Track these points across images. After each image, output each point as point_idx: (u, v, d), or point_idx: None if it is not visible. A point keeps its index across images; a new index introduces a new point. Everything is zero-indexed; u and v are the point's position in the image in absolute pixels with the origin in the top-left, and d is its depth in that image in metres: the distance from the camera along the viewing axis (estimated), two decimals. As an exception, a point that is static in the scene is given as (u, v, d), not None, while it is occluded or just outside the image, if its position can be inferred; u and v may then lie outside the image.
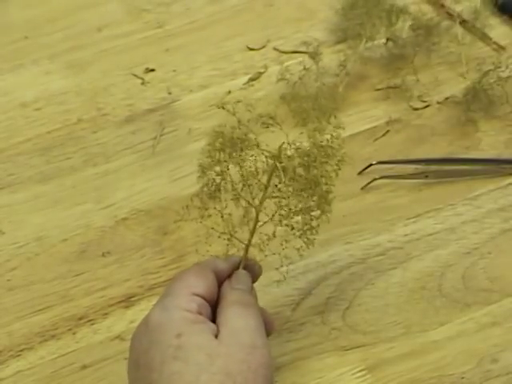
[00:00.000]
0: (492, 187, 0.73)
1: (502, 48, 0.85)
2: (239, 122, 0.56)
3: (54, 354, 0.64)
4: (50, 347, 0.64)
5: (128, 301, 0.67)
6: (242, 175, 0.56)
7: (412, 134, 0.77)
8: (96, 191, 0.74)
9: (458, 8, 0.87)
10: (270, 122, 0.56)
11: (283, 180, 0.55)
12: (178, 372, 0.51)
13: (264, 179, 0.56)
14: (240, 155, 0.56)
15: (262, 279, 0.60)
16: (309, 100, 0.78)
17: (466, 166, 0.74)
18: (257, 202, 0.57)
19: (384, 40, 0.83)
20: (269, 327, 0.58)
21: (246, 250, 0.58)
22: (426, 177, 0.73)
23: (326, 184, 0.56)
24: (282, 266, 0.60)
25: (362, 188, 0.73)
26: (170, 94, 0.82)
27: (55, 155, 0.77)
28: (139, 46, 0.87)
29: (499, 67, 0.78)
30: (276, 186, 0.56)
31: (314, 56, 0.81)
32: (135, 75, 0.84)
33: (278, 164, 0.55)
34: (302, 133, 0.56)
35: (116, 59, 0.85)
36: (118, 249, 0.70)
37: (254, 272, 0.59)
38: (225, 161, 0.56)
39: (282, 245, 0.57)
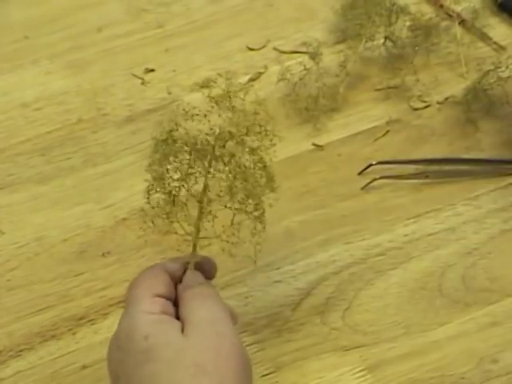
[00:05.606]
0: (492, 187, 0.73)
1: (502, 48, 0.85)
2: (176, 124, 0.55)
3: (53, 354, 0.64)
4: (50, 347, 0.64)
5: (128, 301, 0.67)
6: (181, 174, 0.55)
7: (412, 134, 0.77)
8: (96, 191, 0.74)
9: (457, 8, 0.87)
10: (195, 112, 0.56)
11: (218, 166, 0.54)
12: (153, 373, 0.50)
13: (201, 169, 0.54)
14: (177, 157, 0.54)
15: (261, 279, 0.60)
16: (309, 100, 0.78)
17: (465, 166, 0.74)
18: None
19: (383, 40, 0.83)
20: (232, 321, 0.56)
21: (194, 247, 0.56)
22: (426, 177, 0.73)
23: (261, 162, 0.53)
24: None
25: (362, 188, 0.73)
26: (169, 94, 0.82)
27: (55, 155, 0.77)
28: (139, 46, 0.87)
29: (499, 67, 0.78)
30: (213, 171, 0.54)
31: (314, 56, 0.81)
32: (135, 75, 0.84)
33: (214, 150, 0.54)
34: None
35: (116, 59, 0.85)
36: (118, 249, 0.70)
37: (209, 267, 0.58)
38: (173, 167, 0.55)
39: (233, 226, 0.54)
